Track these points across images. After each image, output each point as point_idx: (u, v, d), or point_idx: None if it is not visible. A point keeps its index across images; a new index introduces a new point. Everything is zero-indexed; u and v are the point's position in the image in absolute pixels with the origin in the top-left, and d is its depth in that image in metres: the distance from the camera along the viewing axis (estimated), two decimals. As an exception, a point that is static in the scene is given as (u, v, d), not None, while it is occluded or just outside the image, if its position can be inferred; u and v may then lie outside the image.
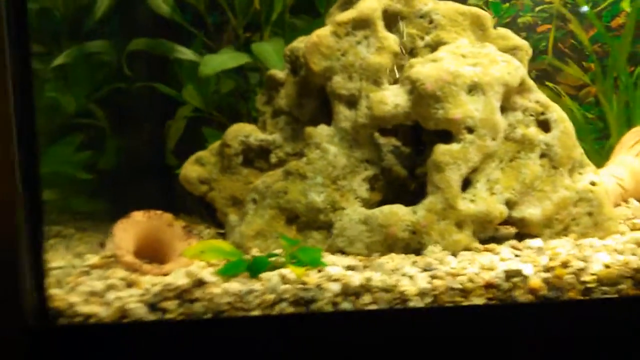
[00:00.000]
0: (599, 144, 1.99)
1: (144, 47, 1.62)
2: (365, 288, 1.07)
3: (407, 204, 1.25)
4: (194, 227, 1.45)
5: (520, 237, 1.30)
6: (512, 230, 1.36)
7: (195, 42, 1.72)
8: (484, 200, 1.24)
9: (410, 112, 1.24)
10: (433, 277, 1.09)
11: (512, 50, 1.35)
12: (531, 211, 1.28)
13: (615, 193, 1.55)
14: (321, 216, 1.28)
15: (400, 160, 1.32)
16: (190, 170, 1.36)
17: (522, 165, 1.28)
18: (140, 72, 1.72)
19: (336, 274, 1.09)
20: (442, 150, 1.22)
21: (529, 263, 1.10)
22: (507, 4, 2.02)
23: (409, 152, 1.33)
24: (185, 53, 1.62)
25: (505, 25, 2.03)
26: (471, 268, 1.11)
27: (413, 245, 1.23)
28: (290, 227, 1.28)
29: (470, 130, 1.22)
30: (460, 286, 1.07)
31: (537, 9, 2.02)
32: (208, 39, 1.72)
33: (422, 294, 1.06)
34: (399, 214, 1.22)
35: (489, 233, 1.31)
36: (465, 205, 1.23)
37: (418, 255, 1.22)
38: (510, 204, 1.27)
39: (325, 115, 1.32)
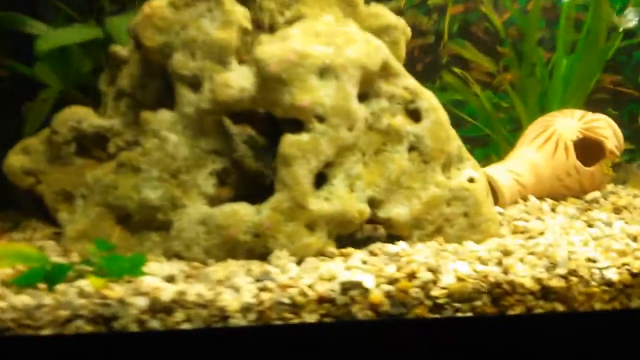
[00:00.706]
0: (513, 135, 1.86)
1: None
2: (179, 303, 0.92)
3: (262, 202, 1.10)
4: (39, 227, 1.29)
5: (392, 239, 1.16)
6: (383, 231, 1.22)
7: (57, 16, 1.54)
8: (341, 199, 1.09)
9: (257, 96, 1.09)
10: (262, 289, 0.94)
11: (385, 30, 1.20)
12: (398, 211, 1.13)
13: (513, 190, 1.42)
14: (159, 215, 1.12)
15: (255, 152, 1.17)
16: (14, 159, 1.19)
17: (388, 159, 1.13)
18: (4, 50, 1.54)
19: (147, 286, 0.93)
20: (289, 142, 1.07)
21: (371, 273, 0.96)
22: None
23: (265, 143, 1.18)
24: (38, 27, 1.44)
25: (415, 7, 1.89)
26: (307, 279, 0.96)
27: (258, 249, 1.08)
28: (121, 227, 1.12)
29: (321, 119, 1.07)
30: (289, 301, 0.92)
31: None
32: (77, 13, 1.55)
33: (245, 309, 0.91)
34: (239, 213, 1.07)
35: (354, 234, 1.17)
36: (318, 204, 1.08)
37: (264, 262, 1.07)
38: (375, 203, 1.13)
39: (171, 99, 1.16)
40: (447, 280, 0.94)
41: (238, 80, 1.08)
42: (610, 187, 1.56)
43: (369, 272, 0.96)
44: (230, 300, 0.92)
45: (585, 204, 1.43)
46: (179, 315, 0.90)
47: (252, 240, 1.07)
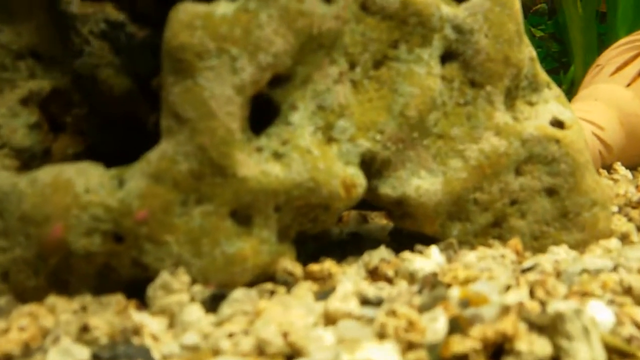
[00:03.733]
0: (554, 77, 1.37)
1: None
2: None
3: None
4: None
5: (403, 239, 0.62)
6: (384, 222, 0.70)
7: None
8: (308, 156, 0.54)
9: None
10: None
11: None
12: (420, 183, 0.60)
13: (593, 151, 0.90)
14: None
15: (124, 57, 0.61)
16: None
17: (400, 77, 0.59)
18: None
19: None
20: (188, 18, 0.51)
21: (391, 338, 0.41)
22: None
23: (145, 38, 0.62)
24: None
25: None
26: (230, 354, 0.41)
27: (123, 271, 0.52)
28: None
29: (263, -32, 0.52)
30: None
31: None
32: None
33: None
34: (76, 186, 0.51)
35: (327, 231, 0.64)
36: (258, 166, 0.53)
37: (131, 302, 0.52)
38: (374, 166, 0.59)
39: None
40: (583, 351, 0.40)
41: None
42: None
43: (383, 333, 0.42)
44: None
45: None
46: None
47: (106, 250, 0.51)
